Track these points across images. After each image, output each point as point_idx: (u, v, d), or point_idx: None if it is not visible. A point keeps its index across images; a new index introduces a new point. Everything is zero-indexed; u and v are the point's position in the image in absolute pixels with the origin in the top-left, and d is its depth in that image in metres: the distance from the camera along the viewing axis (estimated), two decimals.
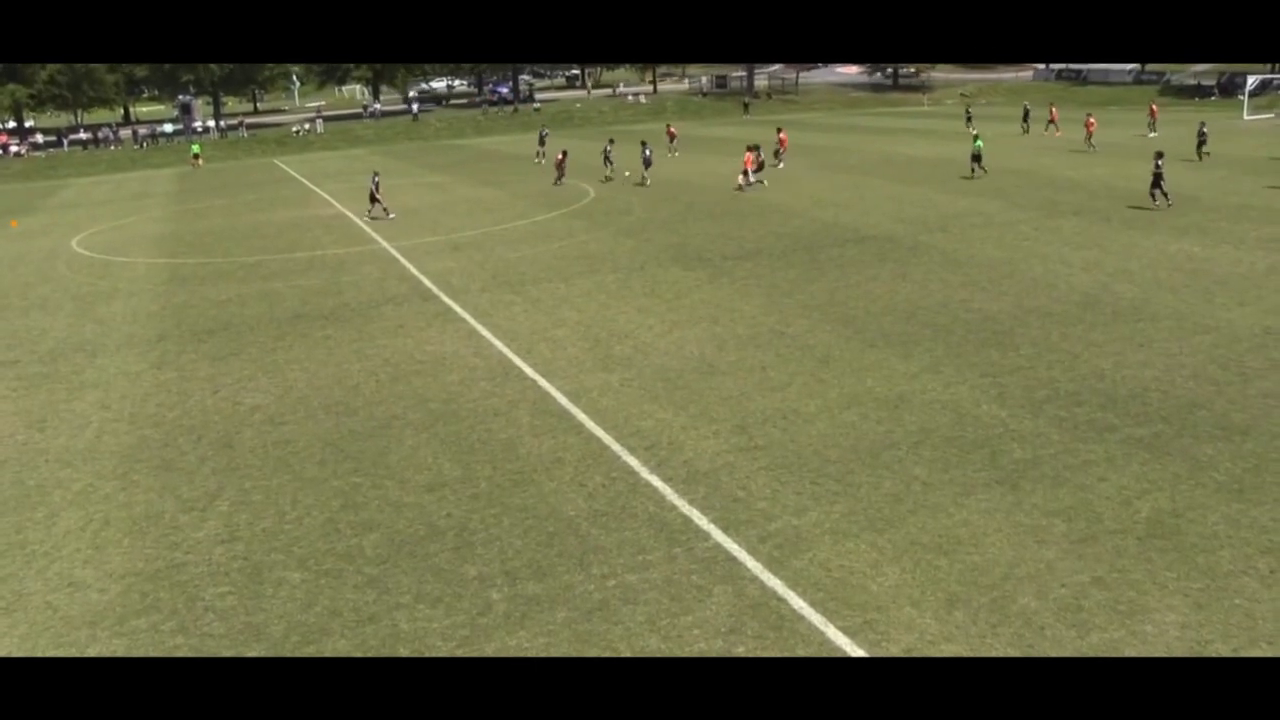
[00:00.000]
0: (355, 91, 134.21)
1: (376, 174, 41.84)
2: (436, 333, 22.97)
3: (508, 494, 14.57)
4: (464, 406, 18.19)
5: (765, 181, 43.67)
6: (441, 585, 12.18)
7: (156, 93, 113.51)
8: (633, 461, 15.51)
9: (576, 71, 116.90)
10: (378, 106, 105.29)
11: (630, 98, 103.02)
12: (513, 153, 64.11)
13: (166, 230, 42.98)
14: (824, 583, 11.88)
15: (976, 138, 45.04)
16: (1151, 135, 56.47)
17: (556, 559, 12.67)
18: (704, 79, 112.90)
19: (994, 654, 10.43)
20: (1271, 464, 14.66)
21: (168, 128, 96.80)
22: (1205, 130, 46.07)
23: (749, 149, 44.76)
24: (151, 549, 13.58)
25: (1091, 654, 10.37)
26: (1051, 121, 61.10)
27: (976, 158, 43.26)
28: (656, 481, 14.77)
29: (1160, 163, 34.40)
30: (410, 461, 15.95)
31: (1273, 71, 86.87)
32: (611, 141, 49.23)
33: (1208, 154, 45.33)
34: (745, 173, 43.14)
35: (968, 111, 72.61)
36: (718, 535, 13.09)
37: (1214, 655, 10.28)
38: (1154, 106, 62.99)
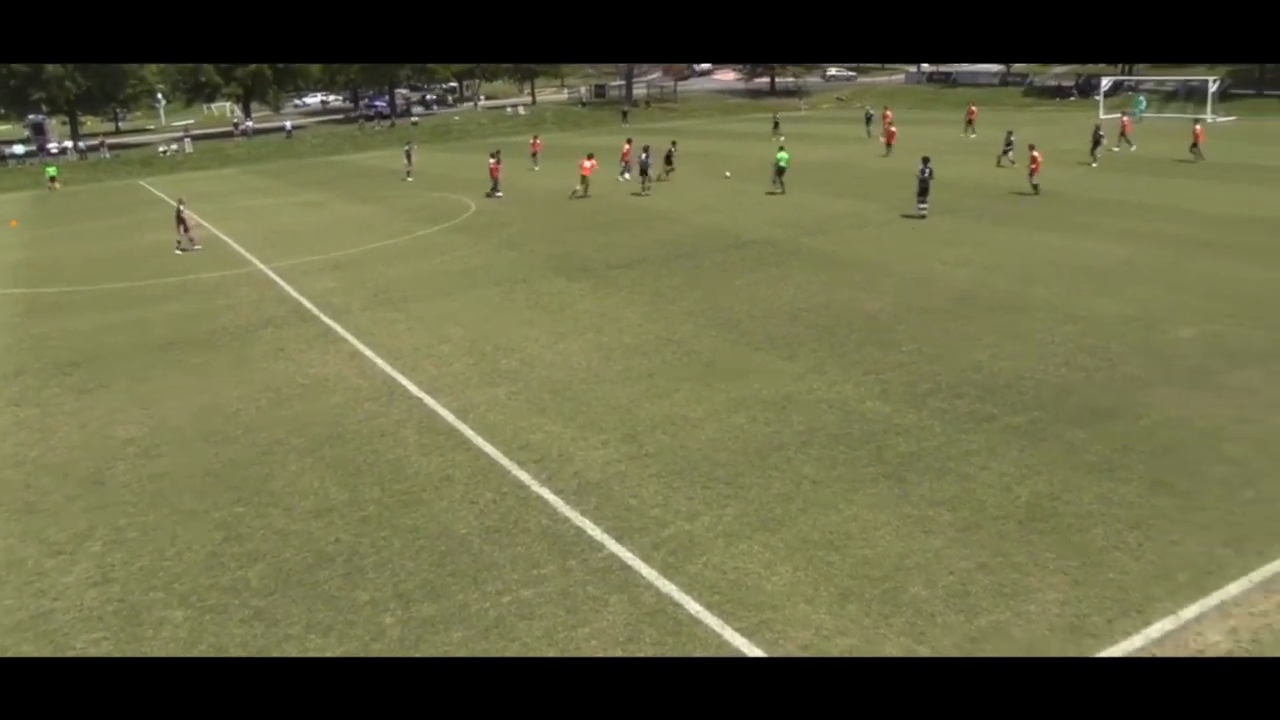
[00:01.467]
0: (225, 109, 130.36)
1: (181, 200, 39.56)
2: (318, 354, 22.53)
3: (397, 515, 14.36)
4: (349, 428, 17.87)
5: (651, 186, 44.01)
6: (332, 613, 11.93)
7: (3, 111, 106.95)
8: (523, 475, 15.42)
9: (455, 84, 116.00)
10: (249, 124, 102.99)
11: (509, 109, 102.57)
12: (391, 168, 63.30)
13: (21, 258, 40.52)
14: (719, 585, 11.95)
15: (781, 149, 43.77)
16: (971, 136, 58.15)
17: (450, 578, 12.52)
18: (583, 89, 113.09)
19: (887, 643, 10.63)
20: (1137, 443, 15.29)
21: (18, 149, 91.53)
22: (1101, 132, 47.96)
23: (587, 156, 45.08)
24: (12, 599, 12.79)
25: (979, 637, 10.63)
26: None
27: (780, 170, 41.92)
28: (548, 494, 14.70)
29: (928, 167, 34.97)
30: (295, 488, 15.60)
31: (1122, 73, 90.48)
32: (494, 154, 48.40)
33: (1113, 150, 46.92)
34: (584, 180, 43.52)
35: (775, 120, 72.22)
36: (611, 545, 13.08)
37: (1093, 629, 10.61)
38: (972, 109, 64.88)
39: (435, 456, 16.35)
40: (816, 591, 11.73)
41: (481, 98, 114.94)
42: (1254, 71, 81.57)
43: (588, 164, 43.98)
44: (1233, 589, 11.37)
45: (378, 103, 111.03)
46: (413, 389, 19.66)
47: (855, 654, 10.44)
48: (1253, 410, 16.41)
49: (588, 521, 13.76)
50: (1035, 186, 38.15)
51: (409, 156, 57.97)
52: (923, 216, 34.17)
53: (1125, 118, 54.78)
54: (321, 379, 20.70)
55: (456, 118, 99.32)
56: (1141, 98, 73.89)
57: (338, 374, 20.96)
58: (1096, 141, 46.65)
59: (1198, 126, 48.39)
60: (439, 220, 40.79)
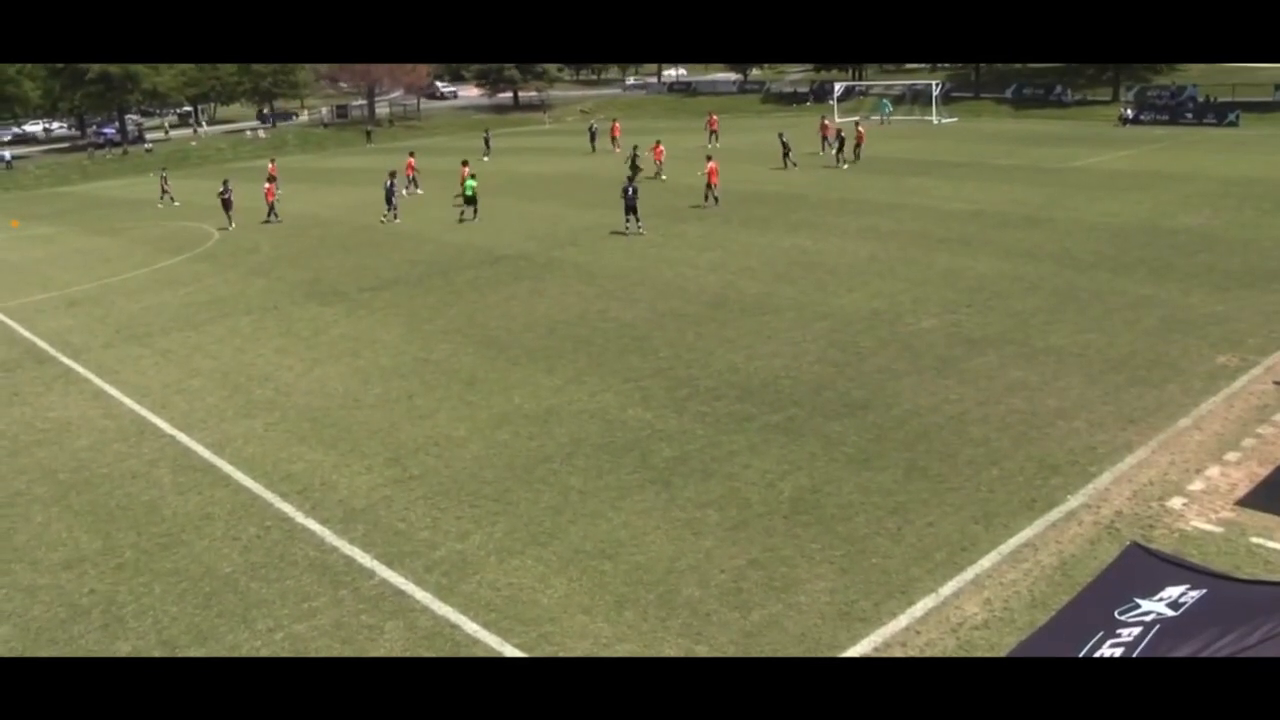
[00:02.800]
0: None
1: None
2: (58, 397, 21.18)
3: (156, 559, 13.68)
4: (97, 473, 16.90)
5: (393, 216, 43.17)
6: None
7: None
8: (286, 508, 14.97)
9: (190, 108, 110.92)
10: None
11: (249, 133, 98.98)
12: (126, 197, 60.09)
13: None
14: (495, 603, 11.94)
15: (472, 176, 40.72)
16: (715, 145, 60.08)
17: (217, 619, 12.04)
18: (324, 109, 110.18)
19: (666, 645, 10.86)
20: (890, 433, 16.15)
21: None
22: (861, 130, 50.07)
23: (269, 179, 44.56)
24: None
25: (755, 632, 11.00)
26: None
27: (469, 200, 39.56)
28: (314, 525, 14.34)
29: (633, 185, 34.81)
30: (41, 539, 14.64)
31: (853, 79, 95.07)
32: (226, 183, 45.78)
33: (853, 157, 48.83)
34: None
35: (486, 138, 69.25)
36: (383, 571, 12.88)
37: (861, 613, 11.12)
38: (713, 117, 66.88)
39: (193, 495, 15.67)
40: (593, 601, 11.86)
41: (204, 123, 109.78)
42: (970, 75, 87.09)
43: (270, 187, 43.86)
44: (985, 562, 12.19)
45: (107, 130, 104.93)
46: (164, 426, 18.77)
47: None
48: (993, 393, 17.61)
49: (357, 549, 13.49)
50: (716, 198, 38.56)
51: (164, 183, 54.70)
52: (640, 233, 33.99)
53: (825, 121, 57.19)
54: (64, 422, 19.49)
55: (194, 143, 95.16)
56: (887, 101, 77.80)
57: (81, 416, 19.78)
58: (841, 145, 48.76)
59: (860, 128, 50.96)
60: (182, 250, 38.98)
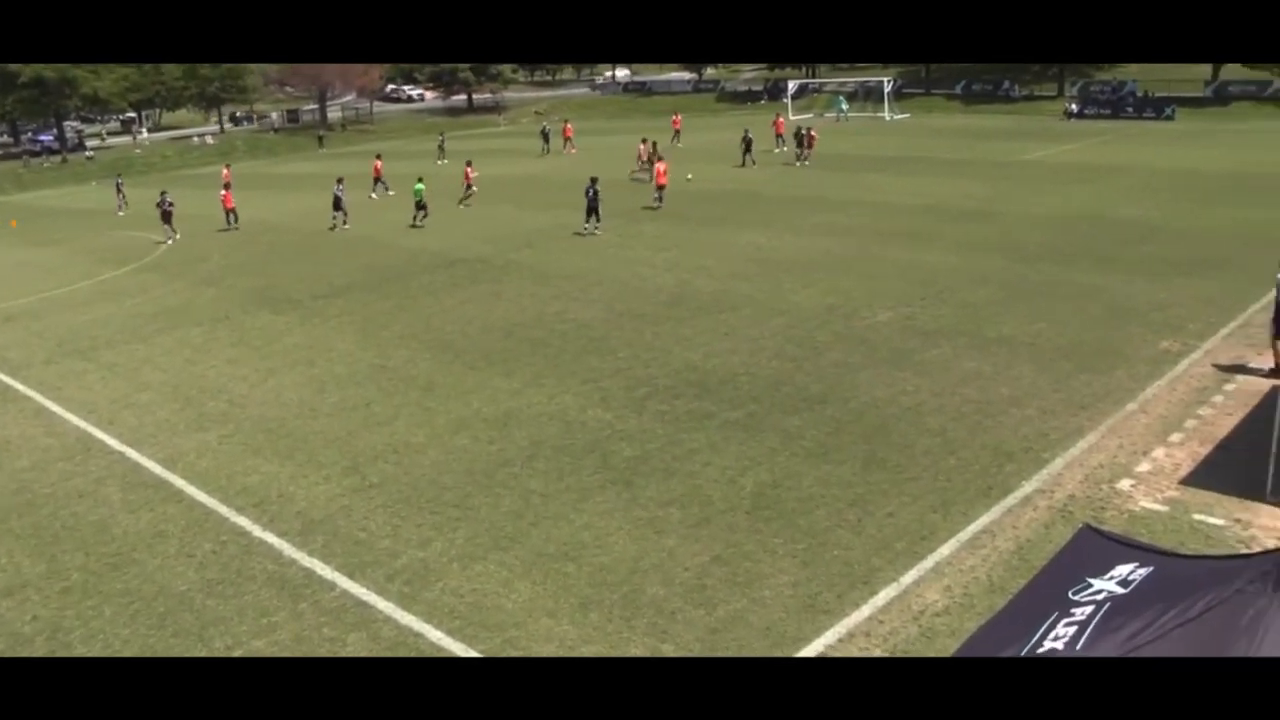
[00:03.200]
0: None
1: None
2: None
3: (106, 581, 13.34)
4: (40, 494, 16.43)
5: (342, 222, 42.67)
6: None
7: None
8: (243, 521, 14.68)
9: (134, 115, 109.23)
10: None
11: (196, 139, 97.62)
12: (67, 206, 59.09)
13: None
14: (459, 610, 11.77)
15: (420, 180, 40.48)
16: (677, 144, 60.17)
17: (172, 639, 11.76)
18: (274, 114, 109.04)
19: (632, 645, 10.76)
20: (847, 426, 16.20)
21: None
22: (808, 131, 50.29)
23: (225, 185, 44.05)
24: None
25: (721, 628, 10.92)
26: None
27: (420, 205, 39.12)
28: (271, 538, 14.06)
29: (594, 188, 34.12)
30: None
31: (807, 77, 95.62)
32: (164, 194, 44.64)
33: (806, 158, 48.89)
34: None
35: (440, 142, 68.30)
36: (344, 582, 12.65)
37: (825, 605, 11.07)
38: (677, 117, 67.03)
39: (144, 512, 15.32)
40: (557, 604, 11.73)
41: (144, 130, 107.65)
42: (920, 72, 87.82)
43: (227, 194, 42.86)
44: (944, 550, 12.27)
45: (43, 137, 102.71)
46: (112, 443, 18.36)
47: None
48: (947, 383, 17.74)
49: (316, 561, 13.26)
50: (660, 199, 38.31)
51: (119, 189, 53.36)
52: (596, 234, 33.98)
53: (780, 119, 57.54)
54: (3, 442, 18.96)
55: (138, 150, 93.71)
56: (843, 99, 78.37)
57: (21, 435, 19.28)
58: (799, 141, 48.99)
59: (813, 131, 51.23)
60: (128, 260, 38.30)
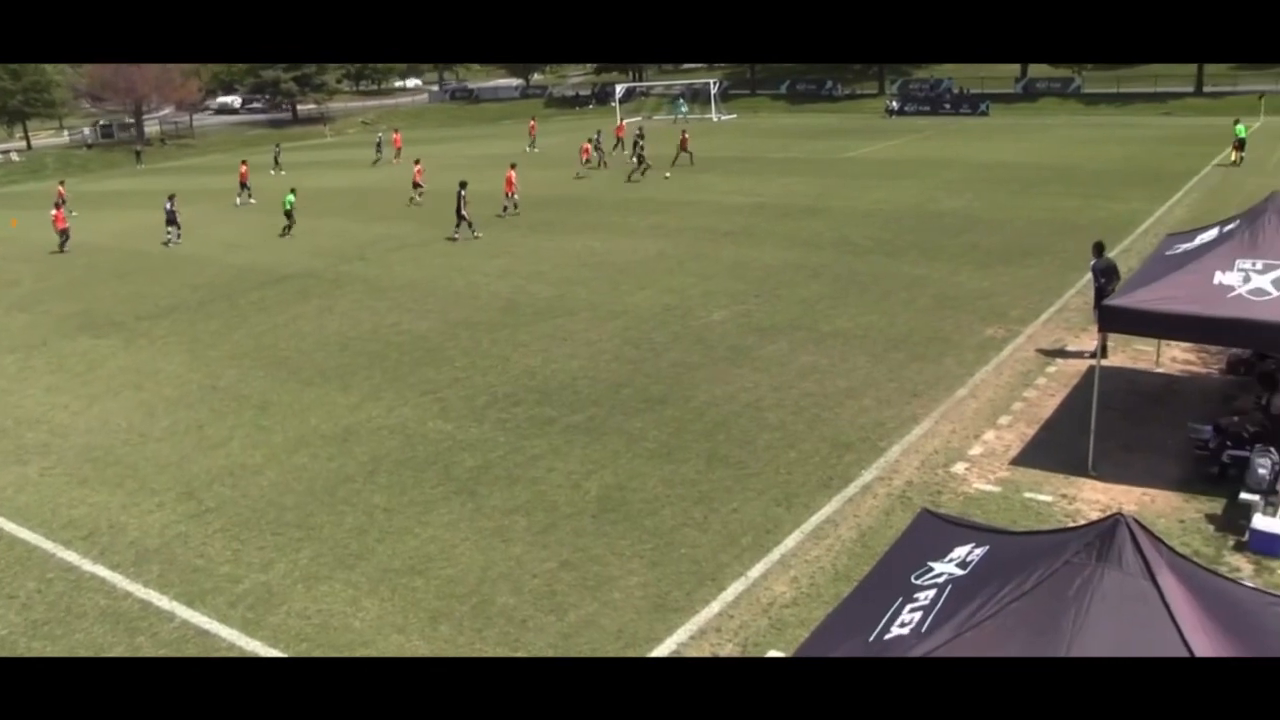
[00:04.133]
0: None
1: None
2: None
3: None
4: None
5: (175, 237, 41.29)
6: None
7: None
8: (70, 556, 14.03)
9: None
10: None
11: (1, 156, 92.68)
12: None
13: None
14: (305, 632, 11.52)
15: (292, 191, 39.72)
16: (534, 150, 60.13)
17: None
18: (86, 129, 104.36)
19: (485, 656, 10.66)
20: (689, 425, 16.41)
21: None
22: (686, 135, 50.54)
23: (56, 204, 41.97)
24: None
25: (572, 633, 10.94)
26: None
27: (287, 213, 38.23)
28: (103, 571, 13.48)
29: (463, 193, 34.09)
30: None
31: (633, 80, 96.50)
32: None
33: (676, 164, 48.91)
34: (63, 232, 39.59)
35: (276, 154, 64.94)
36: (183, 612, 12.23)
37: (675, 603, 11.18)
38: (533, 123, 67.17)
39: None
40: (406, 619, 11.58)
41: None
42: (745, 72, 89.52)
43: (59, 213, 40.36)
44: (789, 542, 12.56)
45: None
46: None
47: None
48: (785, 378, 18.15)
49: (153, 592, 12.78)
50: (507, 207, 38.05)
51: None
52: (458, 239, 33.97)
53: (622, 124, 58.09)
54: None
55: None
56: (683, 101, 79.30)
57: None
58: (639, 153, 48.17)
59: (686, 134, 51.33)
60: None
